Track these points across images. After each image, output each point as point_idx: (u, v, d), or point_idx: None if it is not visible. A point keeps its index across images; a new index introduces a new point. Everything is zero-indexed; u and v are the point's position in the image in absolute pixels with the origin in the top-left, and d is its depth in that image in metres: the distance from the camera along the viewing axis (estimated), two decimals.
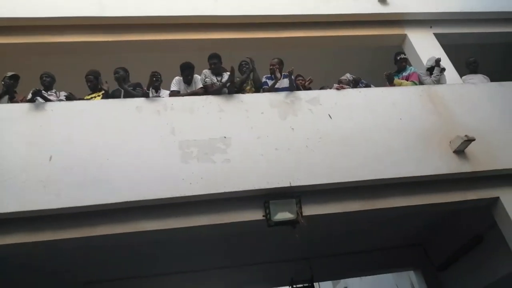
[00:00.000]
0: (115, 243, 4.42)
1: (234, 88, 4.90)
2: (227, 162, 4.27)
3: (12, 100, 4.64)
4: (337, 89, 5.21)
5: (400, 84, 5.49)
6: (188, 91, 5.02)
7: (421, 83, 5.49)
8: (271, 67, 5.24)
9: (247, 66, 5.24)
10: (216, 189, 4.06)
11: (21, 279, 5.57)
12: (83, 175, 3.96)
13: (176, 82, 5.06)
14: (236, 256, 6.10)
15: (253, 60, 5.10)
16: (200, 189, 4.05)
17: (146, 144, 4.27)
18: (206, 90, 4.96)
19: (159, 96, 4.80)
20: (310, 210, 4.21)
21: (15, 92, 4.74)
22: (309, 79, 5.47)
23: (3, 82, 4.66)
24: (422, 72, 5.68)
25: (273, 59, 5.28)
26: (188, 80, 5.12)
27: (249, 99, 4.91)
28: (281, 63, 5.34)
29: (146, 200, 3.96)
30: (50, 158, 4.01)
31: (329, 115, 4.84)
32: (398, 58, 5.86)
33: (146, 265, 5.85)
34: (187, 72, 5.10)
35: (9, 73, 4.72)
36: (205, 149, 4.31)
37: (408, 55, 6.26)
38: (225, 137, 4.44)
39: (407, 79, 5.59)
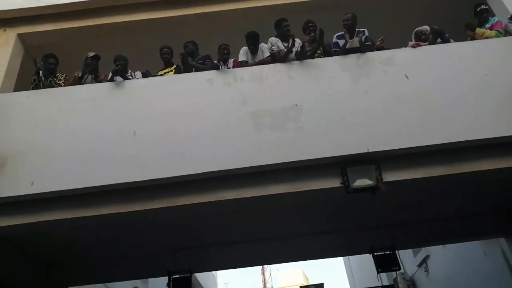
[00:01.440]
0: (196, 212, 4.63)
1: (303, 55, 4.76)
2: (300, 130, 4.23)
3: (96, 79, 4.94)
4: (413, 46, 4.86)
5: (482, 34, 4.94)
6: (256, 60, 4.99)
7: (507, 32, 4.91)
8: (344, 22, 4.93)
9: (313, 28, 5.02)
10: (291, 157, 4.06)
11: (112, 249, 6.12)
12: (164, 148, 4.17)
13: (244, 53, 5.04)
14: (314, 224, 6.11)
15: (322, 31, 4.85)
16: (275, 158, 4.07)
17: (220, 116, 4.36)
18: (274, 58, 4.89)
19: (229, 68, 4.83)
20: (390, 176, 4.07)
21: (98, 72, 5.03)
22: (381, 39, 5.14)
23: (85, 63, 4.96)
24: (508, 20, 5.06)
25: (346, 14, 4.97)
26: (254, 50, 5.08)
27: (318, 64, 4.77)
28: (354, 18, 4.98)
29: (224, 170, 4.07)
30: (134, 133, 4.26)
31: (406, 75, 4.55)
32: (478, 9, 5.25)
33: (225, 233, 6.08)
34: (252, 41, 5.05)
35: (91, 53, 4.99)
36: (277, 118, 4.30)
37: (491, 4, 5.62)
38: (296, 104, 4.39)
39: (490, 30, 5.03)
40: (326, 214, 5.81)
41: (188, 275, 6.28)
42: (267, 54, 4.95)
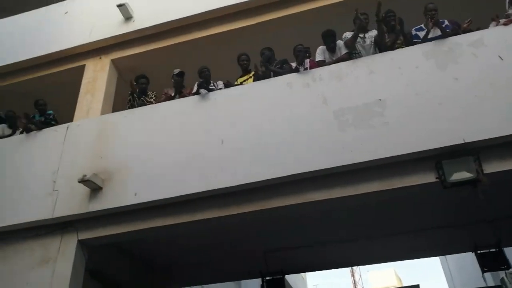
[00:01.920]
0: (286, 214, 4.71)
1: (383, 46, 4.62)
2: (386, 125, 4.10)
3: (180, 94, 5.28)
4: (505, 24, 4.44)
5: None
6: (334, 59, 4.94)
7: None
8: (428, 13, 4.69)
9: (393, 17, 4.84)
10: (379, 154, 3.95)
11: (209, 253, 6.43)
12: (251, 154, 4.31)
13: (320, 52, 5.03)
14: (407, 223, 5.84)
15: (402, 20, 4.67)
16: (362, 156, 3.99)
17: (302, 118, 4.39)
18: (351, 53, 4.82)
19: (306, 69, 4.85)
20: (491, 166, 3.78)
21: (183, 86, 5.37)
22: (469, 21, 4.78)
23: (173, 80, 5.32)
24: None
25: (429, 3, 4.72)
26: (331, 48, 5.04)
27: (400, 55, 4.59)
28: (436, 10, 4.73)
29: (310, 172, 4.09)
30: (222, 142, 4.46)
31: (499, 57, 4.19)
32: None
33: (315, 234, 6.08)
34: (329, 39, 5.01)
35: (176, 70, 5.35)
36: (360, 115, 4.22)
37: None
38: (380, 99, 4.26)
39: None
40: (421, 211, 5.53)
41: (281, 276, 6.39)
42: (344, 51, 4.89)
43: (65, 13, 6.91)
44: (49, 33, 6.71)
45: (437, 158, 3.84)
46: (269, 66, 4.95)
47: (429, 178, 3.88)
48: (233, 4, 5.93)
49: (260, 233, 5.86)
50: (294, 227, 5.77)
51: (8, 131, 5.96)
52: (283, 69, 4.92)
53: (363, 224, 5.88)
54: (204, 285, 8.61)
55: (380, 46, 4.75)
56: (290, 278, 12.79)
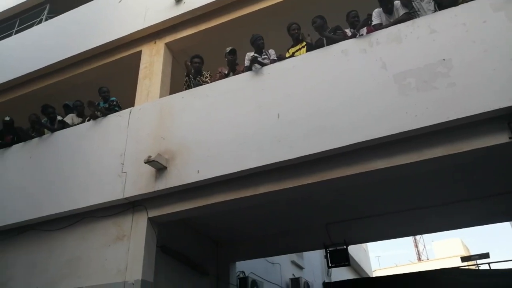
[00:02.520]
0: (348, 185, 4.64)
1: (444, 2, 4.30)
2: (452, 86, 3.85)
3: (234, 72, 5.30)
4: None
5: None
6: (391, 21, 4.69)
7: None
8: None
9: None
10: (445, 116, 3.73)
11: (271, 226, 6.52)
12: (309, 126, 4.27)
13: (377, 14, 4.78)
14: (475, 188, 5.51)
15: None
16: (427, 120, 3.80)
17: (360, 85, 4.25)
18: (409, 13, 4.55)
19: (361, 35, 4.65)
20: None
21: (237, 64, 5.39)
22: None
23: (226, 59, 5.35)
24: None
25: None
26: (388, 10, 4.78)
27: (464, 10, 4.24)
28: None
29: (371, 140, 3.97)
30: (278, 115, 4.45)
31: None
32: None
33: (376, 203, 5.94)
34: (386, 1, 4.75)
35: (228, 49, 5.38)
36: (423, 77, 4.00)
37: None
38: (444, 59, 4.00)
39: None
40: (491, 175, 5.19)
41: (344, 247, 6.37)
42: (402, 12, 4.62)
43: (119, 1, 7.15)
44: (106, 23, 7.01)
45: (509, 118, 3.56)
46: (324, 32, 4.79)
47: (502, 139, 3.62)
48: None
49: (322, 205, 5.83)
50: (355, 198, 5.66)
51: (77, 119, 6.37)
52: (337, 35, 4.75)
53: (426, 192, 5.64)
54: (267, 258, 8.80)
55: (441, 2, 4.42)
56: (352, 250, 12.71)
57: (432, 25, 4.24)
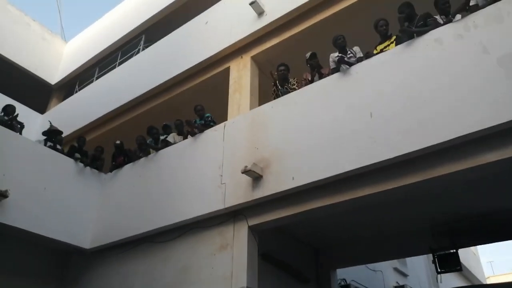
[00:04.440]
0: (453, 181, 4.30)
1: None
2: None
3: (320, 75, 5.28)
4: None
5: None
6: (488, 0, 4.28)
7: None
8: None
9: None
10: None
11: (372, 230, 6.29)
12: (405, 122, 4.06)
13: None
14: None
15: None
16: None
17: (460, 73, 3.95)
18: None
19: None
20: None
21: (321, 67, 5.40)
22: None
23: (308, 64, 5.44)
24: None
25: None
26: None
27: None
28: None
29: (480, 131, 3.63)
30: (371, 115, 4.32)
31: None
32: None
33: (486, 201, 5.42)
34: None
35: (308, 54, 5.43)
36: None
37: None
38: None
39: None
40: None
41: (454, 250, 5.89)
42: None
43: (206, 23, 7.61)
44: (195, 45, 7.50)
45: None
46: (411, 28, 4.54)
47: None
48: None
49: (426, 205, 5.48)
50: (465, 194, 5.20)
51: (178, 138, 6.86)
52: (428, 25, 4.47)
53: None
54: (368, 265, 8.50)
55: None
56: (460, 254, 11.68)
57: None
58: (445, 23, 4.34)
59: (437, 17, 4.55)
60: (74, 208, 6.69)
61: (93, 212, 6.85)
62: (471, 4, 4.31)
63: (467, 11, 4.30)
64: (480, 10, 4.14)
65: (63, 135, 7.83)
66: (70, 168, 7.01)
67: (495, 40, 3.87)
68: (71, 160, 7.11)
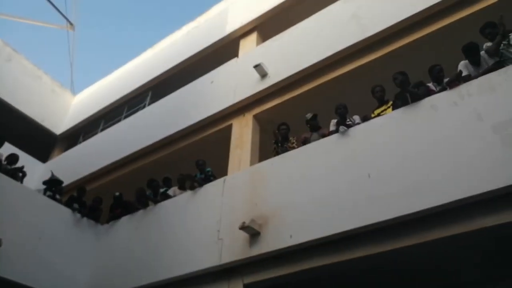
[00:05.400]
0: (451, 245, 4.26)
1: None
2: None
3: (323, 135, 5.45)
4: None
5: None
6: (480, 71, 4.54)
7: None
8: None
9: None
10: None
11: None
12: (403, 184, 4.12)
13: (463, 66, 4.65)
14: None
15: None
16: None
17: (455, 138, 4.07)
18: (500, 62, 4.38)
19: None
20: None
21: (320, 127, 5.59)
22: None
23: (308, 125, 5.60)
24: None
25: None
26: (475, 61, 4.65)
27: None
28: None
29: (473, 196, 3.69)
30: (369, 175, 4.39)
31: None
32: None
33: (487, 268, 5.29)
34: (471, 53, 4.65)
35: (309, 115, 5.64)
36: None
37: None
38: None
39: None
40: None
41: None
42: (491, 61, 4.47)
43: (211, 82, 7.95)
44: (200, 102, 7.79)
45: None
46: (408, 88, 4.76)
47: None
48: (359, 41, 6.08)
49: (428, 269, 5.34)
50: (466, 260, 5.10)
51: (179, 191, 6.89)
52: (420, 91, 4.70)
53: None
54: None
55: None
56: None
57: None
58: (439, 91, 4.56)
59: (430, 84, 4.78)
60: (68, 260, 6.55)
61: (87, 265, 6.68)
62: (463, 74, 4.54)
63: (459, 80, 4.53)
64: (473, 80, 4.37)
65: (63, 185, 7.84)
66: (67, 219, 6.96)
67: (488, 108, 4.04)
68: (68, 211, 7.08)
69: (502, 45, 4.47)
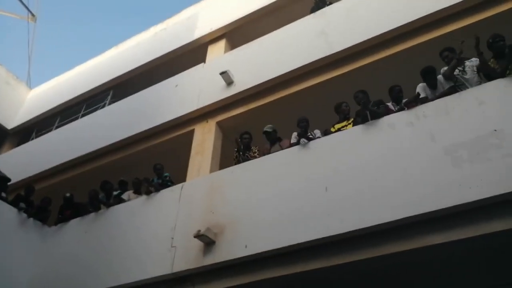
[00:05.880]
0: (401, 261, 4.37)
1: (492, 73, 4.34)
2: (508, 157, 3.71)
3: (282, 147, 5.48)
4: None
5: None
6: (436, 94, 4.74)
7: None
8: None
9: (502, 41, 4.49)
10: (504, 188, 3.55)
11: None
12: (358, 199, 4.21)
13: (421, 89, 4.86)
14: None
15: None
16: (484, 192, 3.64)
17: (409, 158, 4.21)
18: (455, 87, 4.61)
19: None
20: None
21: (279, 139, 5.65)
22: None
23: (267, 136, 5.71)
24: None
25: None
26: (432, 85, 4.86)
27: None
28: None
29: (425, 214, 3.82)
30: (326, 189, 4.44)
31: None
32: None
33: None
34: (429, 76, 4.86)
35: (268, 128, 5.73)
36: (475, 149, 3.91)
37: None
38: (495, 130, 3.92)
39: None
40: None
41: None
42: (447, 85, 4.69)
43: (176, 86, 7.82)
44: (163, 105, 7.63)
45: None
46: (368, 106, 4.89)
47: None
48: (324, 56, 6.20)
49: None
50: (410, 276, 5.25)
51: (133, 196, 6.67)
52: (380, 110, 4.85)
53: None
54: None
55: (489, 74, 4.45)
56: None
57: (479, 97, 4.23)
58: (398, 110, 4.71)
59: (389, 103, 4.94)
60: (9, 261, 6.16)
61: (29, 267, 6.30)
62: (421, 96, 4.73)
63: (417, 102, 4.70)
64: (429, 103, 4.56)
65: (10, 182, 7.40)
66: (11, 219, 6.56)
67: (442, 131, 4.21)
68: (14, 210, 6.68)
69: (457, 70, 4.70)
